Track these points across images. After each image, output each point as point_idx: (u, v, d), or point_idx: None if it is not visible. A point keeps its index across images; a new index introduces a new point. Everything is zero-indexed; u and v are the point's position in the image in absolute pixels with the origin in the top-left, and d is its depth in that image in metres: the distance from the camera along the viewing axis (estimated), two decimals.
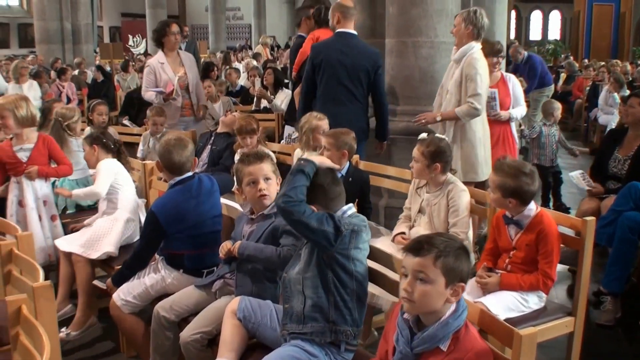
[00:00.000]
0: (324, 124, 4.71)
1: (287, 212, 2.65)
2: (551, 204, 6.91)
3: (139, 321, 3.61)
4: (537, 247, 3.24)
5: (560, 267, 3.42)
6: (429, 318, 2.18)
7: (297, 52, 5.95)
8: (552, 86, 11.01)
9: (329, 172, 2.87)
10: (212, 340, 3.09)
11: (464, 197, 3.69)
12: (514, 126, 5.93)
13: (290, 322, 2.75)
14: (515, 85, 5.92)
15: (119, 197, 4.39)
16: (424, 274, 2.12)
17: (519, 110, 5.90)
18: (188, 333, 3.10)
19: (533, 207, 3.31)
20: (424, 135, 3.93)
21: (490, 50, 5.51)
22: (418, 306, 2.16)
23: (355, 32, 5.35)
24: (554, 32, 33.21)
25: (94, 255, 4.12)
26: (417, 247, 2.16)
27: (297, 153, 4.91)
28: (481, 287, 3.32)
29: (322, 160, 2.91)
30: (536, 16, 33.71)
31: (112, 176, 4.38)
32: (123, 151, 4.65)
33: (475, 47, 4.92)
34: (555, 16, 33.39)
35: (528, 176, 3.27)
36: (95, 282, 3.90)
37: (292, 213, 2.63)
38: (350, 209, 2.82)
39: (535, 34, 33.24)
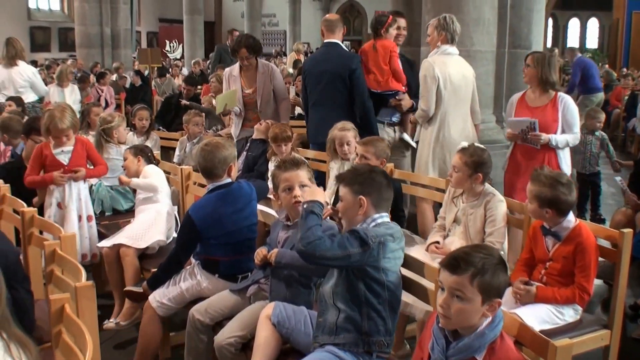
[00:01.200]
0: (347, 134, 4.74)
1: (310, 254, 2.65)
2: (588, 215, 6.82)
3: (159, 334, 3.68)
4: (575, 259, 3.22)
5: (596, 280, 3.39)
6: (465, 330, 2.18)
7: None
8: (600, 94, 10.90)
9: (384, 174, 2.91)
10: (246, 345, 3.12)
11: (501, 208, 3.69)
12: (563, 155, 4.82)
13: (322, 334, 2.77)
14: (567, 108, 4.75)
15: (158, 197, 4.56)
16: (460, 292, 2.11)
17: (565, 138, 4.72)
18: (222, 337, 3.13)
19: (572, 219, 3.29)
20: (464, 144, 3.93)
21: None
22: (454, 322, 2.16)
23: (337, 41, 5.67)
24: (592, 41, 32.74)
25: (143, 244, 4.22)
26: (453, 264, 2.14)
27: (332, 165, 4.97)
28: (517, 297, 3.30)
29: (322, 195, 2.93)
30: (574, 24, 33.24)
31: (161, 176, 4.67)
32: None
33: (440, 50, 5.06)
34: (593, 24, 32.88)
35: (565, 186, 3.25)
36: (130, 287, 3.97)
37: (314, 253, 2.63)
38: (381, 217, 2.81)
39: (572, 42, 32.77)
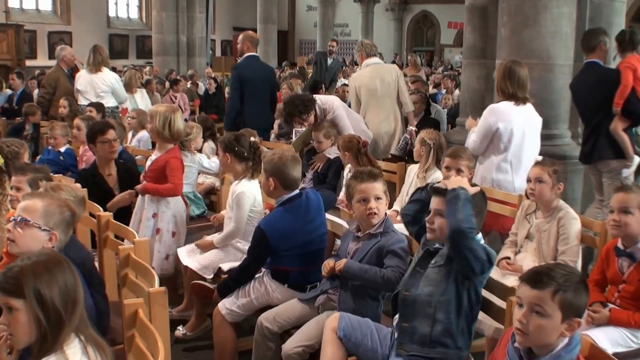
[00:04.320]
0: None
1: (465, 238, 2.60)
2: None
3: (233, 337, 3.70)
4: None
5: None
6: (541, 349, 2.14)
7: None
8: None
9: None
10: (313, 354, 3.14)
11: (575, 225, 3.61)
12: (484, 164, 4.64)
13: (411, 343, 2.75)
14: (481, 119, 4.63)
15: (248, 230, 4.10)
16: (540, 307, 2.08)
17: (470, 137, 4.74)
18: (290, 345, 3.16)
19: None
20: (539, 158, 3.92)
21: None
22: (531, 339, 2.12)
23: (257, 54, 7.49)
24: None
25: (208, 275, 4.14)
26: (535, 278, 2.11)
27: (411, 169, 4.97)
28: (589, 319, 3.21)
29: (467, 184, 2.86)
30: None
31: (249, 205, 4.17)
32: (259, 154, 4.29)
33: (362, 65, 6.77)
34: None
35: None
36: (200, 281, 4.01)
37: (468, 238, 2.60)
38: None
39: None
